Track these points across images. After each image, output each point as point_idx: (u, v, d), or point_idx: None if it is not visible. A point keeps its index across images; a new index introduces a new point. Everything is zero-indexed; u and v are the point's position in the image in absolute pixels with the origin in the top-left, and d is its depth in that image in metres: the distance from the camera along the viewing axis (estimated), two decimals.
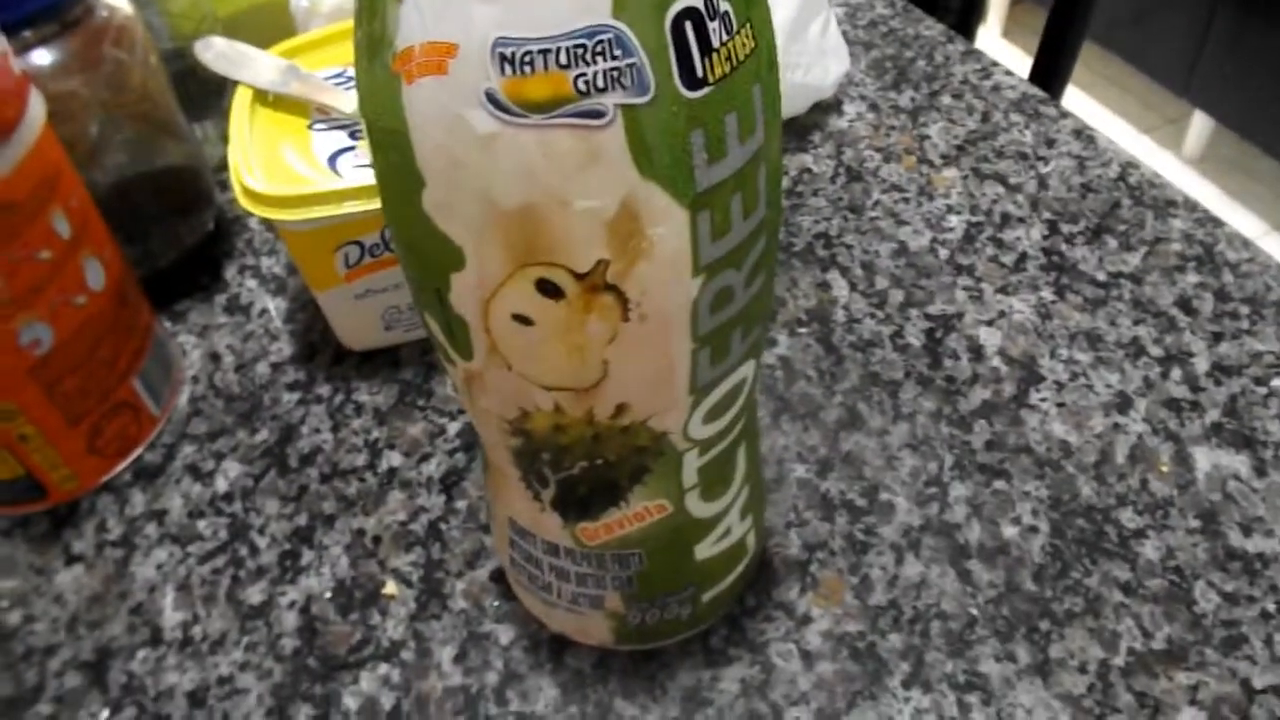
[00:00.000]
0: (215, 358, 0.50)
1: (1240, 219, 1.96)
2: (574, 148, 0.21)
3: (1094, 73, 2.20)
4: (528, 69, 0.20)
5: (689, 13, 0.20)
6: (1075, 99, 2.18)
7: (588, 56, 0.20)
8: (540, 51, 0.20)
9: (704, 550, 0.34)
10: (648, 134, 0.21)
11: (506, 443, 0.30)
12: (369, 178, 0.42)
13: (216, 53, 0.48)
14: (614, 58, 0.20)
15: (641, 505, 0.31)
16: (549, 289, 0.23)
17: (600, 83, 0.20)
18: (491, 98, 0.20)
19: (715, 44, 0.21)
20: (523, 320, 0.24)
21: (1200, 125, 2.05)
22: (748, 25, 0.22)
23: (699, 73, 0.21)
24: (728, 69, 0.21)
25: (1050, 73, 1.03)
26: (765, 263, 0.26)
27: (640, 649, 0.38)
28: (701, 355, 0.26)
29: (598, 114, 0.20)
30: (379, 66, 0.22)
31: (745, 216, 0.24)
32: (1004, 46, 2.36)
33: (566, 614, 0.37)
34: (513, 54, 0.20)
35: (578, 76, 0.20)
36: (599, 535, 0.32)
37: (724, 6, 0.21)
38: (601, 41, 0.20)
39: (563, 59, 0.20)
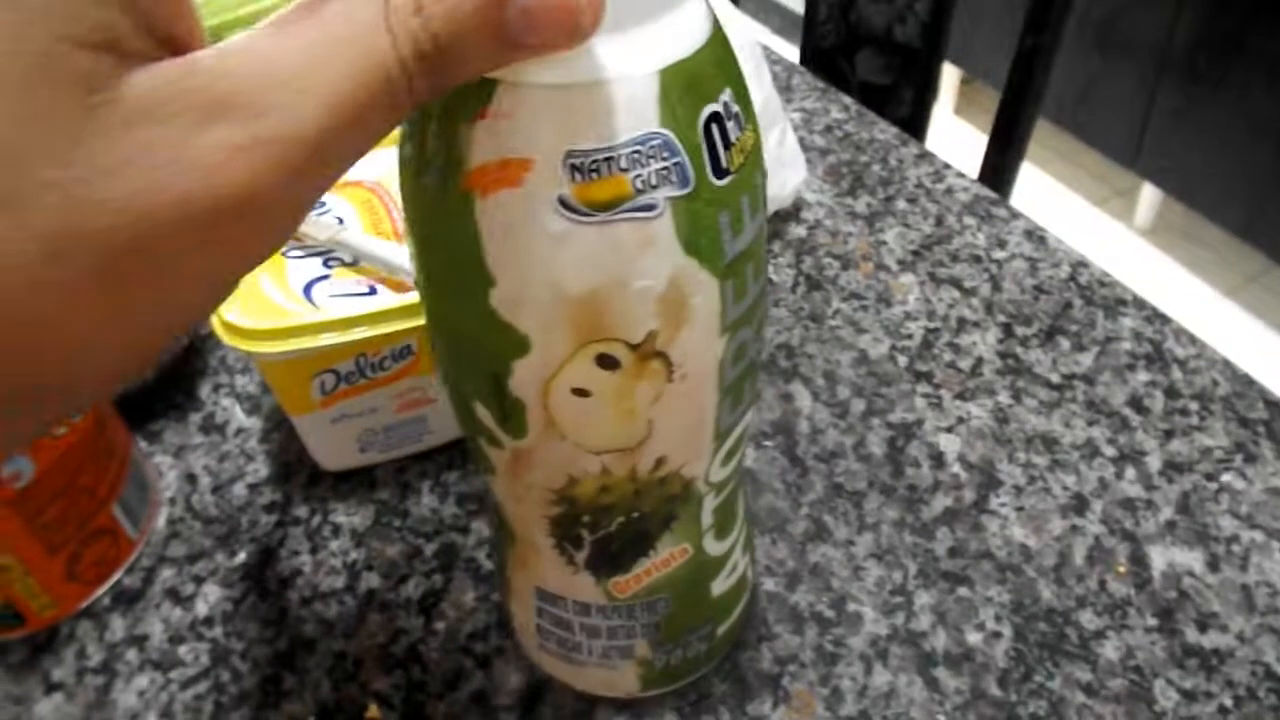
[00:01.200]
0: (192, 479, 0.50)
1: (1193, 286, 2.01)
2: (633, 237, 0.25)
3: (1045, 148, 2.26)
4: (594, 175, 0.24)
5: (714, 116, 0.25)
6: (1029, 174, 2.23)
7: (643, 159, 0.24)
8: (605, 159, 0.24)
9: (719, 586, 0.37)
10: (690, 219, 0.25)
11: (547, 513, 0.32)
12: (344, 309, 0.43)
13: None
14: (664, 159, 0.24)
15: (668, 551, 0.34)
16: (607, 361, 0.27)
17: (654, 181, 0.24)
18: (564, 202, 0.24)
19: (733, 139, 0.25)
20: (581, 393, 0.28)
21: (1150, 196, 2.10)
22: (750, 121, 0.26)
23: (723, 164, 0.25)
24: (742, 159, 0.26)
25: (1004, 152, 1.06)
26: (761, 317, 0.30)
27: (664, 691, 0.40)
28: (725, 404, 0.30)
29: (651, 207, 0.24)
30: (446, 183, 0.25)
31: (755, 279, 0.28)
32: (956, 123, 2.42)
33: (596, 669, 0.39)
34: (581, 163, 0.24)
35: (635, 177, 0.24)
36: (629, 587, 0.35)
37: (735, 108, 0.25)
38: (654, 146, 0.24)
39: (623, 164, 0.24)
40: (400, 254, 0.46)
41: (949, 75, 2.44)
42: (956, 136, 2.34)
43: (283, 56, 0.19)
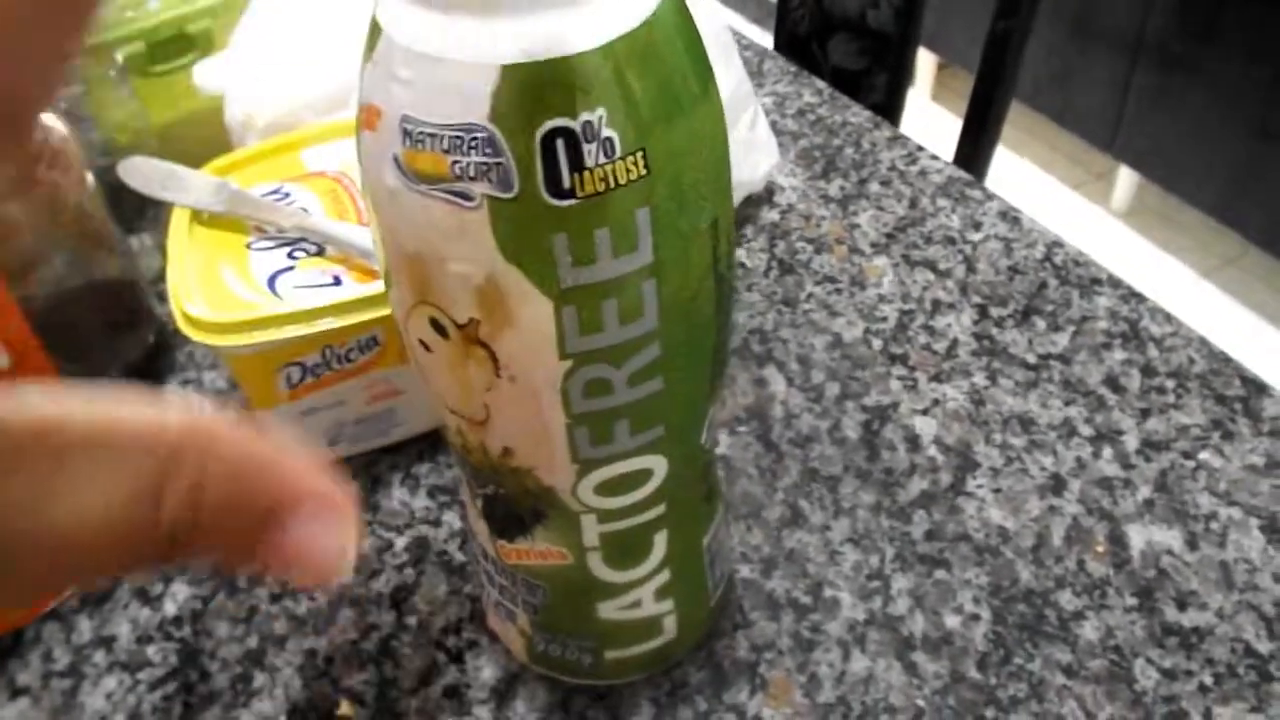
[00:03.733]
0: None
1: (1171, 268, 2.01)
2: (448, 219, 0.24)
3: (1022, 131, 2.26)
4: (420, 145, 0.24)
5: (561, 132, 0.23)
6: (1006, 158, 2.24)
7: (463, 148, 0.23)
8: (430, 134, 0.24)
9: (607, 611, 0.36)
10: (510, 224, 0.24)
11: (448, 444, 0.34)
12: (309, 300, 0.42)
13: (143, 174, 0.48)
14: (485, 154, 0.23)
15: (545, 545, 0.34)
16: (438, 326, 0.27)
17: (472, 172, 0.24)
18: (396, 161, 0.25)
19: (589, 164, 0.23)
20: (425, 347, 0.29)
21: (1127, 179, 2.10)
22: (639, 155, 0.24)
23: (566, 185, 0.24)
24: (601, 188, 0.24)
25: (978, 136, 1.06)
26: (661, 371, 0.28)
27: (548, 674, 0.40)
28: (578, 432, 0.29)
29: (467, 196, 0.24)
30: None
31: (623, 322, 0.26)
32: (932, 109, 2.42)
33: (493, 615, 0.40)
34: (411, 130, 0.24)
35: (454, 163, 0.24)
36: (511, 557, 0.35)
37: (607, 133, 0.23)
38: (476, 138, 0.23)
39: (445, 145, 0.24)
40: (365, 236, 0.45)
41: (925, 61, 2.44)
42: (933, 122, 2.34)
43: (49, 452, 0.17)
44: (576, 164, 0.23)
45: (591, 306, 0.26)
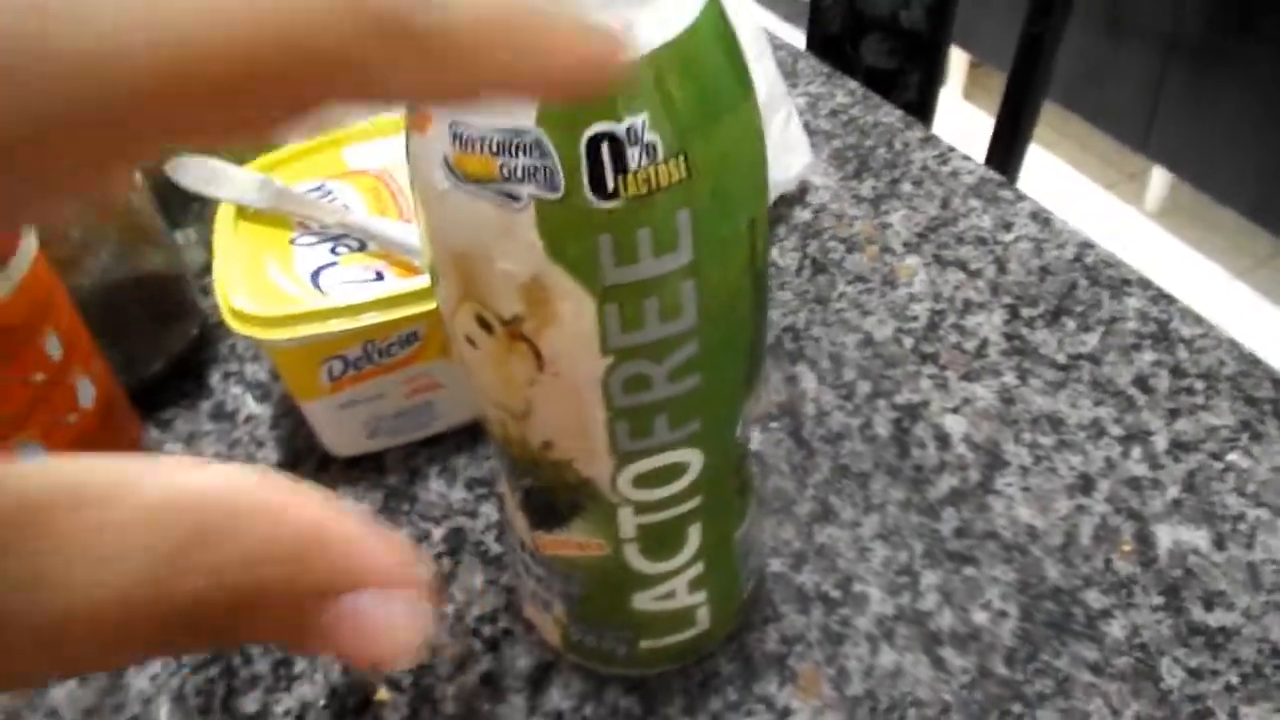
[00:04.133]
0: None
1: (1204, 269, 2.00)
2: (497, 219, 0.25)
3: (1055, 131, 2.25)
4: (470, 148, 0.25)
5: (606, 135, 0.24)
6: (1038, 158, 2.23)
7: (511, 150, 0.24)
8: (480, 137, 0.24)
9: (642, 601, 0.37)
10: (555, 224, 0.25)
11: (489, 436, 0.35)
12: (351, 295, 0.43)
13: (191, 173, 0.49)
14: (533, 157, 0.24)
15: (582, 537, 0.34)
16: (483, 322, 0.28)
17: (519, 174, 0.24)
18: (446, 161, 0.25)
19: (632, 166, 0.24)
20: (470, 342, 0.29)
21: (1160, 179, 2.09)
22: (680, 158, 0.25)
23: (609, 186, 0.24)
24: (644, 190, 0.25)
25: (1010, 138, 1.06)
26: (699, 367, 0.29)
27: (583, 664, 0.41)
28: (619, 426, 0.30)
29: (515, 197, 0.25)
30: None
31: (663, 320, 0.27)
32: (965, 108, 2.41)
33: (529, 604, 0.41)
34: (461, 133, 0.25)
35: (502, 164, 0.24)
36: (548, 548, 0.36)
37: (650, 137, 0.24)
38: (523, 141, 0.24)
39: (494, 147, 0.24)
40: (407, 232, 0.46)
41: (958, 59, 2.43)
42: (966, 120, 2.34)
43: (62, 529, 0.15)
44: (620, 167, 0.24)
45: (633, 304, 0.27)
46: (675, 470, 0.32)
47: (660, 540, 0.35)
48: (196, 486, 0.16)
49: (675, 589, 0.37)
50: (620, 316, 0.27)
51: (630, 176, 0.24)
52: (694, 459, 0.32)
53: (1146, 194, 2.13)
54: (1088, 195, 2.19)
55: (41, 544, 0.15)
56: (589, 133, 0.24)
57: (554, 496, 0.33)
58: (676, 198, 0.25)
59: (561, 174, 0.24)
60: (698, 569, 0.36)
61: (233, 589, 0.15)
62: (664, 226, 0.25)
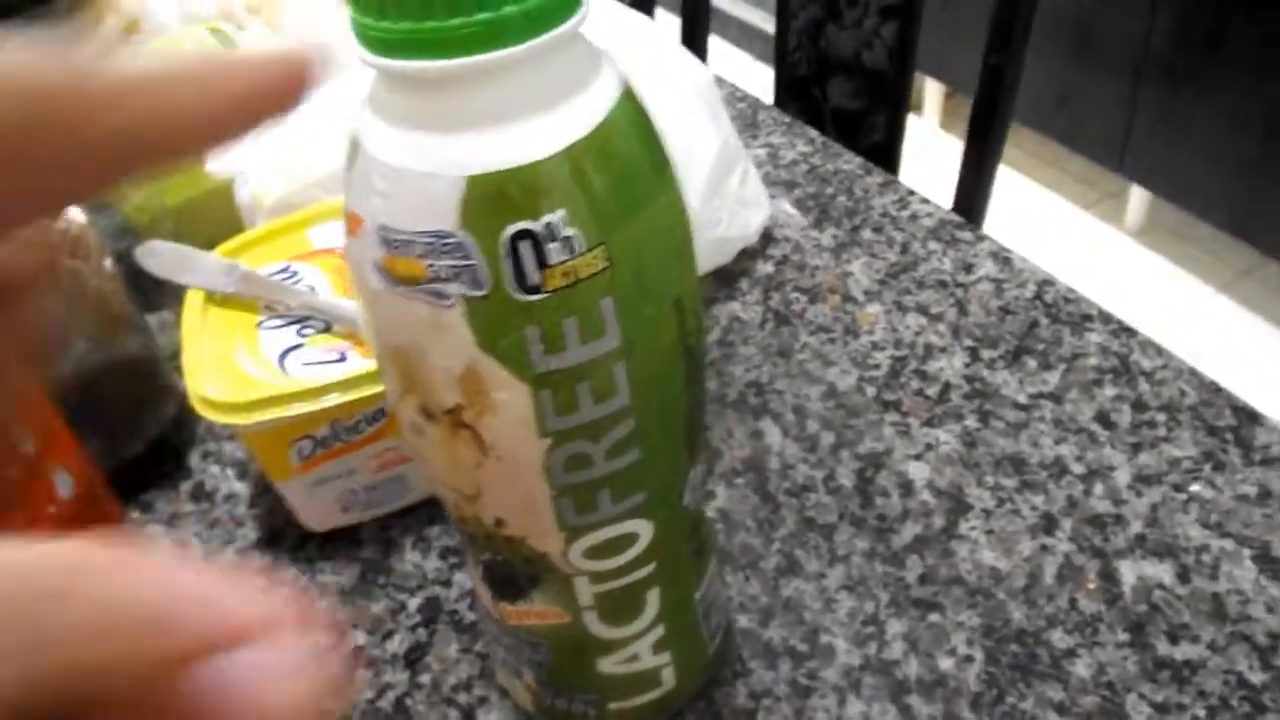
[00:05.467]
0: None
1: (1187, 284, 2.01)
2: (428, 316, 0.26)
3: (1030, 155, 2.27)
4: (398, 251, 0.26)
5: (526, 233, 0.25)
6: (1015, 182, 2.25)
7: (437, 253, 0.25)
8: (406, 241, 0.25)
9: (607, 665, 0.38)
10: (484, 319, 0.26)
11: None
12: (316, 377, 0.44)
13: (159, 258, 0.50)
14: (456, 257, 0.25)
15: (543, 606, 0.35)
16: (427, 413, 0.29)
17: (445, 275, 0.25)
18: (377, 265, 0.26)
19: (553, 260, 0.25)
20: (416, 429, 0.30)
21: (1139, 198, 2.11)
22: (600, 248, 0.26)
23: (532, 281, 0.25)
24: (566, 282, 0.26)
25: (978, 167, 1.07)
26: (637, 442, 0.30)
27: None
28: (563, 503, 0.31)
29: (444, 295, 0.26)
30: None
31: (596, 401, 0.28)
32: (941, 138, 2.43)
33: (501, 671, 0.42)
34: (388, 238, 0.26)
35: (429, 265, 0.25)
36: (513, 617, 0.37)
37: (568, 231, 0.25)
38: (448, 244, 0.25)
39: (419, 250, 0.25)
40: None
41: (932, 90, 2.45)
42: (942, 151, 2.35)
43: None
44: (541, 262, 0.25)
45: (566, 389, 0.28)
46: (625, 541, 0.33)
47: (619, 607, 0.36)
48: (11, 559, 0.13)
49: (638, 652, 0.38)
50: (554, 401, 0.28)
51: (552, 270, 0.25)
52: (643, 529, 0.33)
53: (1126, 212, 2.15)
54: (1067, 217, 2.21)
55: None
56: (509, 231, 0.25)
57: (512, 570, 0.34)
58: (599, 287, 0.26)
59: (486, 272, 0.25)
60: (659, 631, 0.37)
61: (64, 675, 0.13)
62: (589, 315, 0.26)
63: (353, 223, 0.27)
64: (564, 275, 0.26)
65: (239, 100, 0.18)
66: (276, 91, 0.19)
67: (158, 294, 0.62)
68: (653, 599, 0.36)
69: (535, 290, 0.26)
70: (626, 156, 0.26)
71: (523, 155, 0.25)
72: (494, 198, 0.25)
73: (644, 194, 0.27)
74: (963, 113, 2.26)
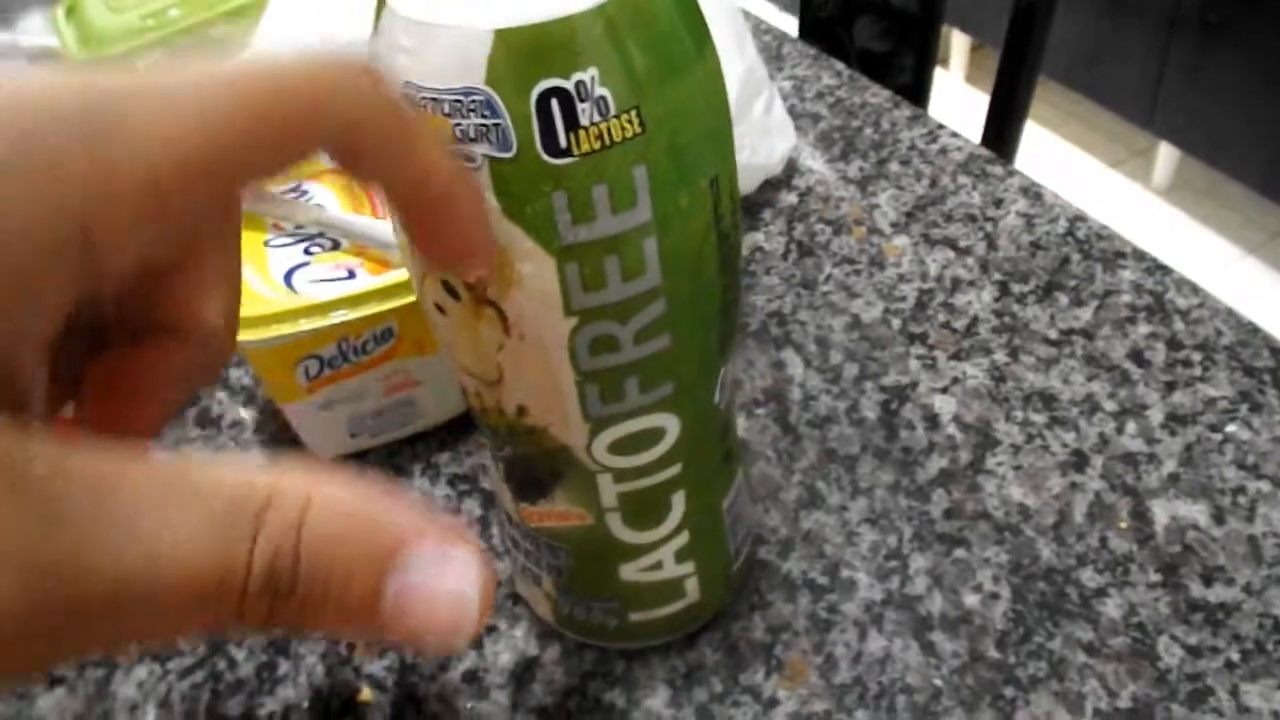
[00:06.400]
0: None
1: (1213, 245, 1.98)
2: None
3: (1059, 110, 2.23)
4: (423, 110, 0.25)
5: (556, 91, 0.24)
6: (1042, 138, 2.21)
7: (463, 111, 0.24)
8: (432, 99, 0.25)
9: (629, 572, 0.37)
10: (510, 184, 0.25)
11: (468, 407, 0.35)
12: (323, 294, 0.43)
13: None
14: (483, 116, 0.24)
15: (564, 506, 0.34)
16: (449, 288, 0.28)
17: (472, 134, 0.24)
18: None
19: (584, 122, 0.24)
20: (439, 309, 0.29)
21: (1167, 155, 2.07)
22: (633, 112, 0.25)
23: (562, 143, 0.24)
24: (597, 145, 0.25)
25: (1005, 117, 1.04)
26: (667, 328, 0.29)
27: (577, 639, 0.41)
28: (588, 389, 0.29)
29: (469, 158, 0.25)
30: None
31: (625, 279, 0.27)
32: (967, 91, 2.40)
33: (520, 579, 0.41)
34: (415, 96, 0.25)
35: (455, 124, 0.24)
36: (533, 519, 0.36)
37: (600, 92, 0.24)
38: (475, 101, 0.24)
39: (446, 109, 0.24)
40: (381, 227, 0.45)
41: (959, 42, 2.42)
42: (968, 103, 2.32)
43: (130, 494, 0.17)
44: (571, 123, 0.24)
45: (593, 263, 0.26)
46: (651, 436, 0.32)
47: (642, 509, 0.34)
48: (256, 478, 0.18)
49: (662, 559, 0.36)
50: (581, 276, 0.27)
51: (582, 132, 0.24)
52: (670, 424, 0.32)
53: (1154, 171, 2.11)
54: (1094, 174, 2.18)
55: (112, 512, 0.17)
56: (538, 89, 0.24)
57: (534, 465, 0.33)
58: (632, 153, 0.25)
59: (513, 132, 0.24)
60: (683, 539, 0.36)
61: (299, 558, 0.18)
62: (620, 183, 0.25)
63: None
64: (595, 138, 0.24)
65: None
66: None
67: None
68: (678, 503, 0.35)
69: (564, 153, 0.24)
70: (664, 19, 0.25)
71: (554, 9, 0.23)
72: (523, 53, 0.24)
73: (681, 61, 0.26)
74: (990, 66, 2.23)
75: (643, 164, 0.25)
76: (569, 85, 0.24)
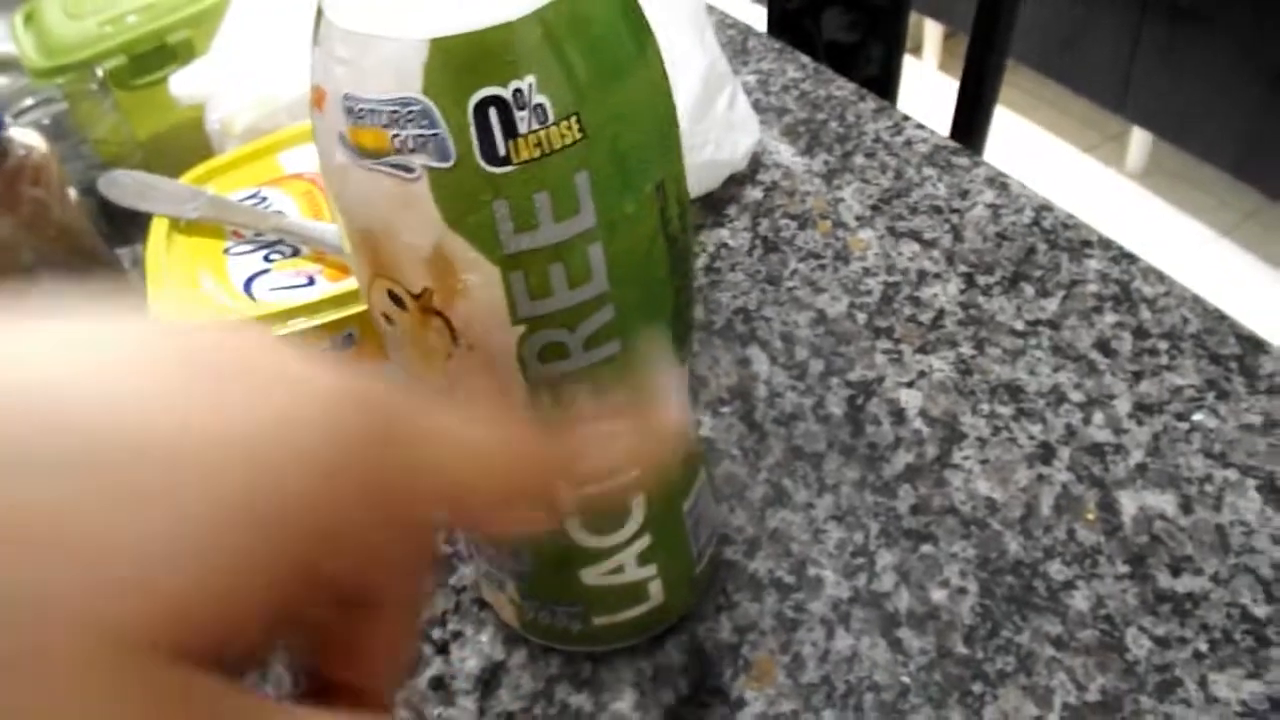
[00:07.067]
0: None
1: (1188, 228, 1.99)
2: (394, 191, 0.25)
3: (1032, 96, 2.24)
4: (362, 121, 0.25)
5: (493, 100, 0.24)
6: (1015, 124, 2.22)
7: (401, 121, 0.24)
8: (370, 110, 0.24)
9: (591, 577, 0.36)
10: (451, 193, 0.25)
11: None
12: (281, 301, 0.42)
13: (121, 188, 0.48)
14: (421, 126, 0.24)
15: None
16: (395, 298, 0.28)
17: (411, 145, 0.24)
18: (342, 138, 0.25)
19: (522, 130, 0.24)
20: (387, 319, 0.29)
21: (1140, 139, 2.08)
22: (573, 119, 0.24)
23: (501, 151, 0.24)
24: (536, 153, 0.24)
25: (974, 104, 1.04)
26: (616, 334, 0.28)
27: (543, 643, 0.41)
28: (539, 399, 0.29)
29: (409, 168, 0.25)
30: None
31: (572, 286, 0.27)
32: (939, 79, 2.40)
33: (484, 584, 0.41)
34: (352, 107, 0.25)
35: (394, 136, 0.24)
36: None
37: (538, 99, 0.24)
38: (412, 111, 0.24)
39: (384, 120, 0.24)
40: (336, 233, 0.45)
41: (931, 30, 2.42)
42: (940, 92, 2.32)
43: None
44: (510, 131, 0.24)
45: (538, 271, 0.26)
46: None
47: (601, 514, 0.34)
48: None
49: (623, 563, 0.36)
50: (527, 284, 0.26)
51: (521, 140, 0.24)
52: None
53: (1127, 155, 2.12)
54: (1068, 159, 2.18)
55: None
56: (476, 98, 0.24)
57: None
58: (573, 160, 0.25)
59: (452, 142, 0.24)
60: (644, 542, 0.36)
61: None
62: (562, 190, 0.25)
63: (317, 96, 0.26)
64: (535, 145, 0.24)
65: None
66: None
67: (129, 227, 0.60)
68: (637, 507, 0.35)
69: (504, 161, 0.24)
70: (603, 23, 0.25)
71: (489, 17, 0.23)
72: (459, 62, 0.23)
73: (621, 65, 0.25)
74: (962, 53, 2.23)
75: (585, 170, 0.25)
76: (506, 93, 0.24)
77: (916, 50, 2.41)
